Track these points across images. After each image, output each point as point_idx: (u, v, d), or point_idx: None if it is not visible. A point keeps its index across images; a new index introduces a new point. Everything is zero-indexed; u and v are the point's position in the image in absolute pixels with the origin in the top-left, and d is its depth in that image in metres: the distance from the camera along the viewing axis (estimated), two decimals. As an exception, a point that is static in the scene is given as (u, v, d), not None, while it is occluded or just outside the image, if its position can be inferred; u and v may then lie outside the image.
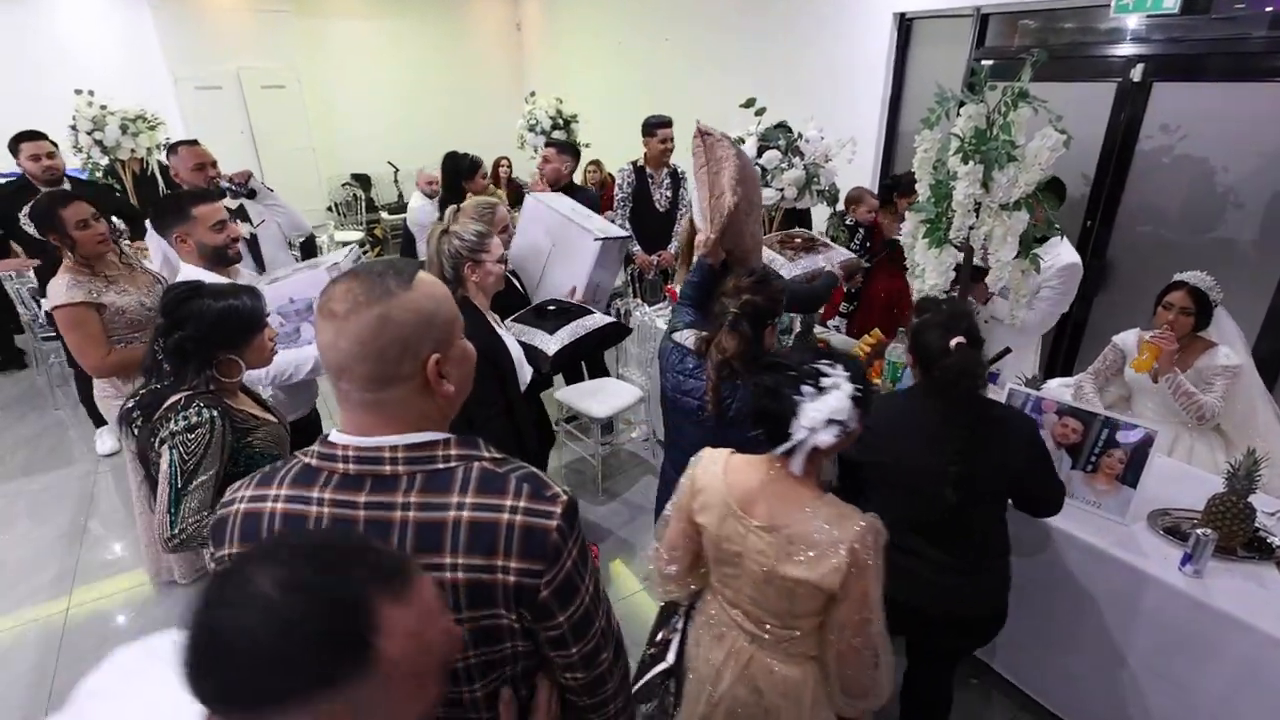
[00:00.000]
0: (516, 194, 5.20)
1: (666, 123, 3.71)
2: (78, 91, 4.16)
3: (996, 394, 2.17)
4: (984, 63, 3.61)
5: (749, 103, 2.69)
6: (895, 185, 3.26)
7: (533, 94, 4.93)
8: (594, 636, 0.86)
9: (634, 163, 3.87)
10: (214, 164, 3.07)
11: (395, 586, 0.57)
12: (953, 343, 1.43)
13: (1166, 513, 1.92)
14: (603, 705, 0.93)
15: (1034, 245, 2.07)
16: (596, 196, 3.71)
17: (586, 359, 3.25)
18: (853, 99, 4.23)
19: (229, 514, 0.83)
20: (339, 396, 0.81)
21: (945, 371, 1.43)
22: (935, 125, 2.03)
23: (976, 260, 2.10)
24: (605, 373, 3.59)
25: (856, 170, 4.17)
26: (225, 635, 0.51)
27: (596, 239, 2.53)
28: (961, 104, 2.01)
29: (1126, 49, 3.19)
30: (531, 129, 4.83)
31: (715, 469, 1.28)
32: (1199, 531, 1.70)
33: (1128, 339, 2.55)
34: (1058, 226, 2.20)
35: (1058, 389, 2.86)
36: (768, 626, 1.27)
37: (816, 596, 1.20)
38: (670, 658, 1.36)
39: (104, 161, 4.29)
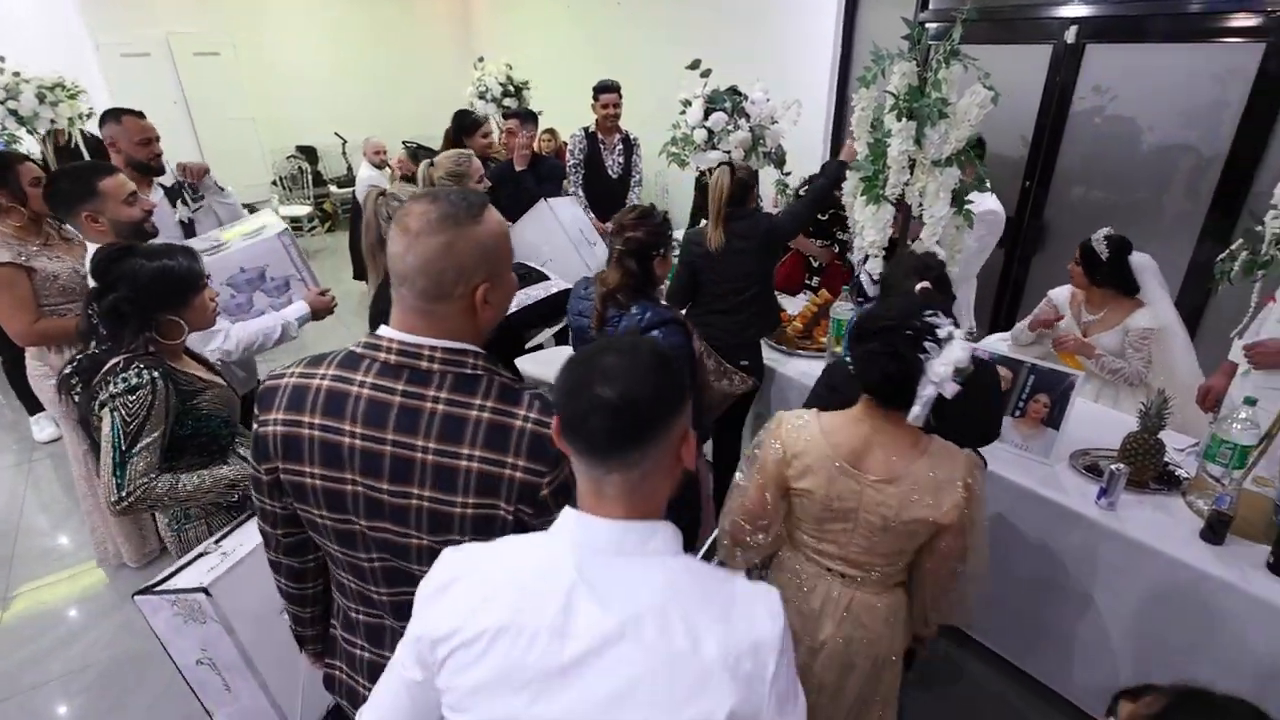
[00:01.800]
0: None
1: (610, 88, 3.68)
2: (-12, 58, 3.89)
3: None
4: (927, 25, 3.66)
5: (694, 64, 2.68)
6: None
7: (481, 60, 4.80)
8: None
9: (585, 128, 3.83)
10: (158, 139, 2.91)
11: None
12: (919, 286, 1.48)
13: (1086, 452, 2.04)
14: None
15: (966, 201, 2.13)
16: (561, 168, 3.66)
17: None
18: (803, 62, 4.24)
19: (279, 385, 0.94)
20: (396, 299, 0.91)
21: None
22: (871, 84, 2.06)
23: (915, 215, 2.15)
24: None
25: (808, 134, 4.20)
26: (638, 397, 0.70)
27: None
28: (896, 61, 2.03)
29: (1061, 11, 3.27)
30: (482, 96, 4.71)
31: (810, 431, 1.26)
32: (1112, 467, 1.82)
33: (1061, 293, 2.67)
34: (987, 183, 2.26)
35: (995, 342, 2.99)
36: (876, 568, 1.30)
37: (929, 532, 1.25)
38: None
39: (21, 133, 4.03)
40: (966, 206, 2.13)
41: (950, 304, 1.52)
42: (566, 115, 4.96)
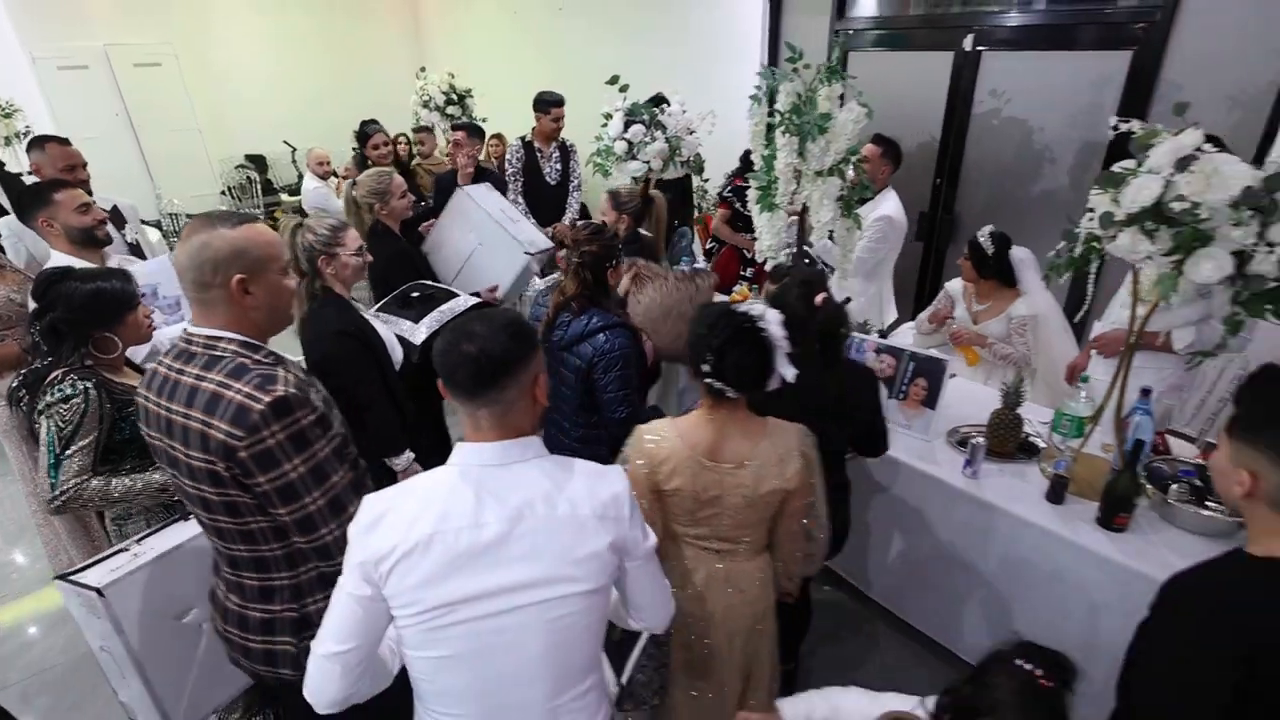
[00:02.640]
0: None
1: (559, 101, 3.82)
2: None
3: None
4: (839, 32, 3.88)
5: (613, 80, 2.85)
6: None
7: (423, 69, 4.90)
8: (303, 509, 1.16)
9: (522, 138, 3.97)
10: (84, 165, 2.98)
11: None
12: (818, 299, 1.64)
13: (959, 429, 2.28)
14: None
15: (855, 206, 2.35)
16: (503, 178, 3.79)
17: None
18: (732, 70, 4.43)
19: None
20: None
21: (822, 325, 1.64)
22: (760, 102, 2.26)
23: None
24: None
25: (742, 140, 4.41)
26: (491, 351, 0.97)
27: (526, 253, 2.64)
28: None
29: (959, 21, 3.52)
30: (425, 105, 4.81)
31: (669, 437, 1.41)
32: (973, 441, 2.06)
33: (954, 286, 2.92)
34: (870, 191, 2.47)
35: (905, 331, 3.24)
36: (744, 539, 1.49)
37: (783, 497, 1.44)
38: None
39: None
40: (855, 211, 2.35)
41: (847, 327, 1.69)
42: (514, 121, 5.09)
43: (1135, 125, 1.75)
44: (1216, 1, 2.82)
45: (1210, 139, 2.21)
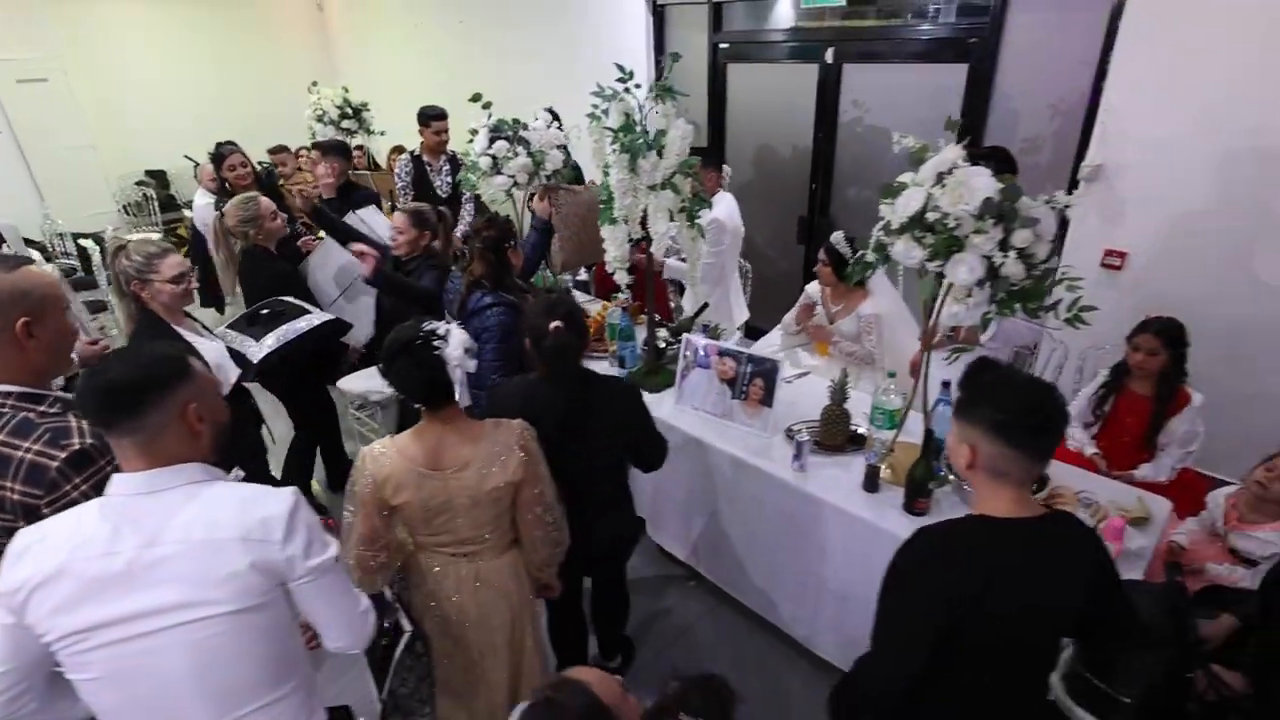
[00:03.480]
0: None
1: (441, 115, 3.86)
2: None
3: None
4: (719, 45, 4.02)
5: (475, 97, 2.91)
6: None
7: (315, 84, 4.85)
8: None
9: (411, 152, 3.99)
10: None
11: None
12: (552, 325, 1.69)
13: (793, 426, 2.42)
14: None
15: (696, 216, 2.46)
16: (374, 193, 3.80)
17: (326, 359, 3.03)
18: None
19: None
20: None
21: (545, 352, 1.70)
22: (599, 119, 2.34)
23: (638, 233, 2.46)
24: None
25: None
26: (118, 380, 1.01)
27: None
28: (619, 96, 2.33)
29: (821, 36, 3.70)
30: (320, 119, 4.77)
31: (389, 455, 1.47)
32: (797, 438, 2.20)
33: (813, 288, 3.08)
34: (708, 201, 2.59)
35: (774, 332, 3.38)
36: (485, 537, 1.56)
37: (510, 492, 1.54)
38: (408, 626, 1.58)
39: None
40: (696, 221, 2.47)
41: (585, 339, 1.77)
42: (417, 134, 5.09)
43: (910, 141, 1.90)
44: (1033, 20, 3.06)
45: (996, 151, 2.43)
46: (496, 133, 2.95)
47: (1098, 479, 2.15)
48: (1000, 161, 2.25)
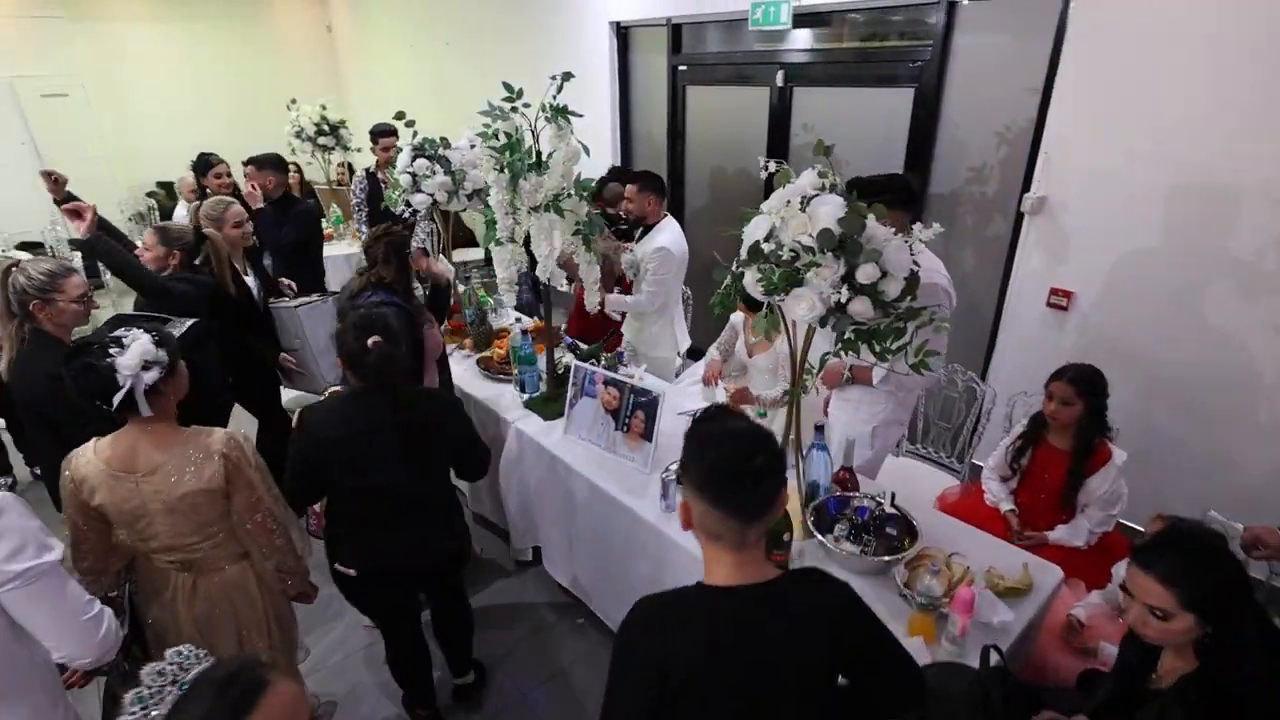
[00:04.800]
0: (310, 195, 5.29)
1: (386, 131, 3.90)
2: None
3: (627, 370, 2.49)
4: (678, 68, 3.95)
5: (399, 115, 2.91)
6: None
7: (294, 101, 4.99)
8: None
9: (367, 169, 4.04)
10: None
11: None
12: (370, 341, 1.64)
13: (672, 465, 2.28)
14: None
15: (589, 242, 2.37)
16: (312, 207, 3.83)
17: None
18: (588, 101, 4.51)
19: None
20: None
21: (367, 370, 1.65)
22: (491, 138, 2.29)
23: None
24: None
25: (598, 167, 4.48)
26: None
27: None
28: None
29: (772, 58, 3.60)
30: (298, 136, 4.89)
31: (86, 456, 1.46)
32: (664, 476, 2.06)
33: (737, 318, 2.94)
34: (600, 226, 2.48)
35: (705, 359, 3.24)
36: (195, 546, 1.53)
37: (215, 500, 1.50)
38: (124, 629, 1.54)
39: None
40: (592, 245, 2.38)
41: (399, 351, 1.70)
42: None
43: (772, 165, 1.79)
44: (978, 43, 2.90)
45: (894, 180, 2.26)
46: (419, 151, 2.94)
47: (991, 541, 1.96)
48: (895, 191, 2.10)
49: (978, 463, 2.69)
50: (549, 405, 2.62)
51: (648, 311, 3.07)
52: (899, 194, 2.12)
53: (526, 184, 2.20)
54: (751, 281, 1.69)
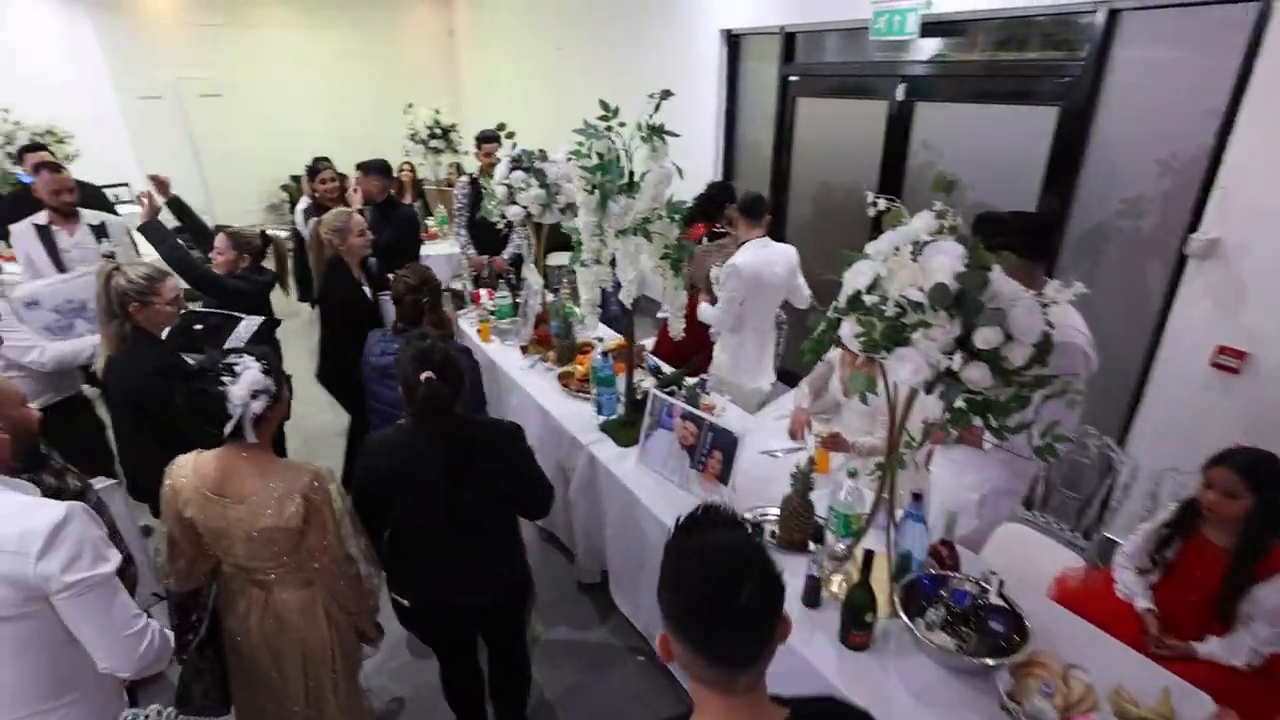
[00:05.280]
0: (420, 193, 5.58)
1: (490, 138, 3.97)
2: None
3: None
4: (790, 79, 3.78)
5: (500, 127, 2.93)
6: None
7: (410, 105, 5.22)
8: None
9: (470, 175, 4.13)
10: (71, 190, 3.37)
11: None
12: (422, 376, 1.59)
13: (755, 511, 2.12)
14: None
15: (678, 267, 2.26)
16: (412, 212, 3.96)
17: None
18: (692, 110, 4.41)
19: None
20: None
21: (417, 404, 1.61)
22: (584, 156, 2.22)
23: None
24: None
25: (698, 180, 4.35)
26: None
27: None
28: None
29: (893, 70, 3.32)
30: (411, 138, 5.12)
31: (185, 470, 1.51)
32: (736, 526, 1.91)
33: (833, 353, 2.73)
34: (690, 251, 2.33)
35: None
36: (269, 570, 1.57)
37: (291, 536, 1.51)
38: (203, 631, 1.63)
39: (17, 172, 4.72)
40: (682, 271, 2.27)
41: (460, 387, 1.64)
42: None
43: (882, 202, 1.59)
44: (1143, 58, 2.51)
45: (1026, 220, 1.95)
46: (517, 163, 2.95)
47: (1121, 649, 1.66)
48: (1028, 233, 1.83)
49: (1111, 537, 2.34)
50: (624, 431, 2.54)
51: (722, 328, 2.94)
52: (1033, 237, 1.84)
53: (616, 206, 2.12)
54: (849, 334, 1.52)
